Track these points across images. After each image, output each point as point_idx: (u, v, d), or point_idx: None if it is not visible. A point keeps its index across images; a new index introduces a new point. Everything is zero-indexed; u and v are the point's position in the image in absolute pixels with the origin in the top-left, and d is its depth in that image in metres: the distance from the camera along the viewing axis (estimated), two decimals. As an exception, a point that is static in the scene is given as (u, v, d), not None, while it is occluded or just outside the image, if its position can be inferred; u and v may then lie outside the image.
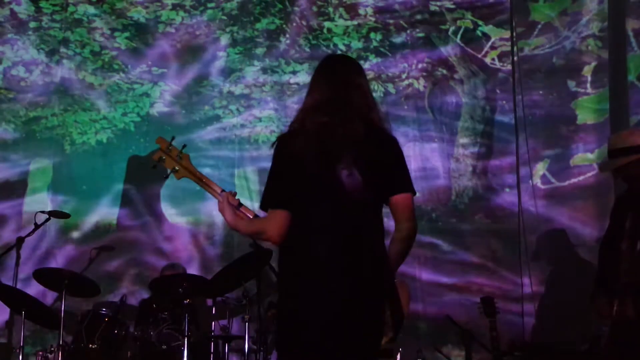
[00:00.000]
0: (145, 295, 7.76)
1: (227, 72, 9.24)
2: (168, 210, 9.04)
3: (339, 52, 9.00)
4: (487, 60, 8.99)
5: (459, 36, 9.04)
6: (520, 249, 8.02)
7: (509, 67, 8.71)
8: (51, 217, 7.13)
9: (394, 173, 3.72)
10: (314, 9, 9.16)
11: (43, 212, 7.11)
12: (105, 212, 9.03)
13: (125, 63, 9.25)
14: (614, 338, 5.04)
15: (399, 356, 6.38)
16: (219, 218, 8.66)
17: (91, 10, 9.26)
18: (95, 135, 9.17)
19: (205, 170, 8.81)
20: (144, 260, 8.91)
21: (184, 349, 6.58)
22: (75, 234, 8.93)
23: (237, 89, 9.19)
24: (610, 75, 8.61)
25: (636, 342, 4.90)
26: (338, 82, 3.76)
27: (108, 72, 9.24)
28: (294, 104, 8.82)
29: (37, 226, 7.04)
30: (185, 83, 9.23)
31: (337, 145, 3.63)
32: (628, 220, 5.06)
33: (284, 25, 9.19)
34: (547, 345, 6.80)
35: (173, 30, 9.28)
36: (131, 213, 9.04)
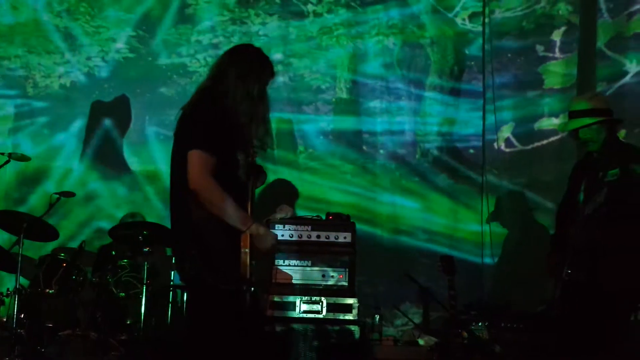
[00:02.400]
0: (105, 242, 7.71)
1: (196, 21, 9.12)
2: (130, 158, 8.96)
3: (309, 4, 8.95)
4: (458, 20, 8.96)
5: (431, -6, 9.01)
6: (482, 210, 8.11)
7: (479, 28, 8.70)
8: (11, 160, 7.03)
9: (186, 135, 4.06)
10: (287, -41, 9.07)
11: (2, 154, 7.02)
12: (67, 156, 8.94)
13: (91, 6, 9.09)
14: (566, 300, 5.12)
15: (356, 311, 6.41)
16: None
17: (58, -49, 9.08)
18: (59, 79, 9.04)
19: (170, 119, 8.85)
20: (104, 207, 8.84)
21: (142, 297, 6.58)
22: (36, 178, 8.82)
23: (205, 39, 9.09)
24: (580, 41, 8.64)
25: (586, 304, 4.98)
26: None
27: (74, 14, 9.07)
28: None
29: (-4, 169, 6.97)
30: (152, 30, 9.10)
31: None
32: (583, 184, 5.13)
33: (255, -24, 9.09)
34: (503, 305, 6.87)
35: (142, -24, 9.14)
36: (93, 159, 8.94)
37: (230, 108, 4.08)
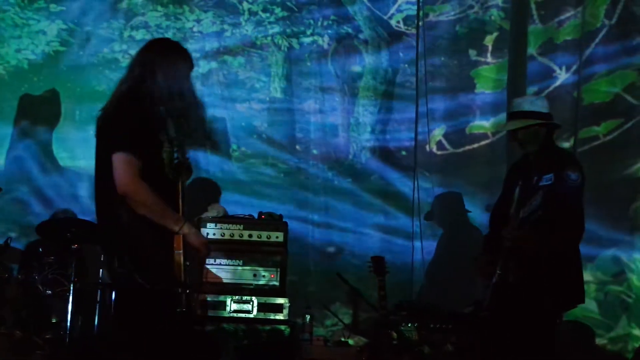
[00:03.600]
0: (32, 238, 7.56)
1: (130, 16, 9.01)
2: (60, 153, 8.81)
3: (245, 2, 8.92)
4: (393, 22, 9.03)
5: (366, -4, 9.06)
6: (413, 211, 8.17)
7: (414, 31, 8.77)
8: None
9: (109, 137, 3.92)
10: (221, -43, 9.02)
11: None
12: (-6, 150, 8.77)
13: (21, -3, 8.94)
14: (495, 301, 5.19)
15: (286, 311, 6.41)
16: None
17: (-13, -58, 8.89)
18: (-14, 71, 8.87)
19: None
20: (32, 203, 8.68)
21: (69, 295, 6.47)
22: (-40, 172, 8.63)
23: (139, 34, 8.99)
24: (511, 47, 8.78)
25: (515, 305, 5.06)
26: None
27: (3, 5, 8.88)
28: (195, 52, 8.67)
29: None
30: (84, 23, 8.96)
31: None
32: (518, 186, 5.20)
33: (190, -28, 9.02)
34: (433, 306, 6.93)
35: (75, -31, 8.99)
36: (21, 153, 8.77)
37: (155, 106, 3.96)
